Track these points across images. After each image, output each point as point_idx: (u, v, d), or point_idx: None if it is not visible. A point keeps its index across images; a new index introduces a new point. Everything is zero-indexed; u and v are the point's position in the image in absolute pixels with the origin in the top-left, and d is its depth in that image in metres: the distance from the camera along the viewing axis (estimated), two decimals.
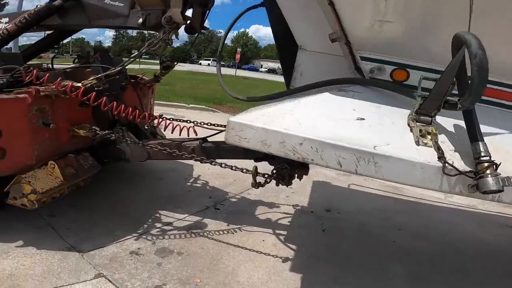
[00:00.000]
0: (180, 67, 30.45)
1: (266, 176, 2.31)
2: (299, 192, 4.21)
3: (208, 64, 53.06)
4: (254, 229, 3.16)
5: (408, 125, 1.61)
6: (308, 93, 2.00)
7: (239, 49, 31.34)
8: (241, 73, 31.93)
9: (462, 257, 3.09)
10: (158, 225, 3.00)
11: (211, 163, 2.44)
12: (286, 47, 2.50)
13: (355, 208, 3.94)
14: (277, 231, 3.19)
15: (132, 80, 3.61)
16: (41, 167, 2.36)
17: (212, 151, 2.70)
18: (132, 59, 3.23)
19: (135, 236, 2.75)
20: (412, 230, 3.51)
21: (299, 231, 3.29)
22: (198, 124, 3.18)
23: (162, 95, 10.65)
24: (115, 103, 2.48)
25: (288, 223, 3.42)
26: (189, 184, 4.09)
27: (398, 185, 4.31)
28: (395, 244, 3.19)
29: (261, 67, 68.62)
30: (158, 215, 3.16)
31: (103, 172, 3.04)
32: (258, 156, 2.50)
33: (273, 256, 2.78)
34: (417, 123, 1.58)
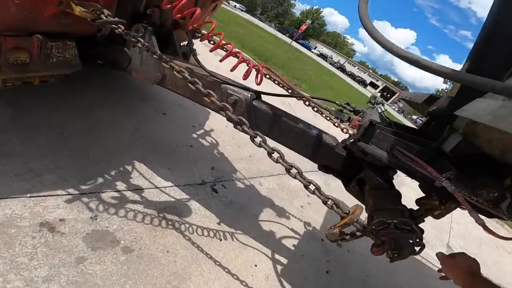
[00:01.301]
0: (240, 13, 28.40)
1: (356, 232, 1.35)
2: (315, 205, 3.30)
3: (235, 6, 50.10)
4: (250, 242, 2.26)
5: None
6: None
7: (308, 21, 29.39)
8: (294, 44, 30.27)
9: None
10: (121, 186, 1.98)
11: (253, 138, 1.44)
12: None
13: (366, 250, 3.04)
14: (276, 256, 2.31)
15: None
16: None
17: (263, 120, 1.76)
18: None
19: (69, 195, 1.70)
20: None
21: (302, 264, 2.41)
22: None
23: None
24: None
25: (293, 248, 2.53)
26: (194, 136, 3.13)
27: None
28: None
29: (314, 48, 67.21)
30: (129, 168, 2.17)
31: (85, 80, 2.06)
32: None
33: None
34: None
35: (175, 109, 3.33)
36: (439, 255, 1.33)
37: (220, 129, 3.50)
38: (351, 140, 1.74)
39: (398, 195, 1.59)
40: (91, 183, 1.86)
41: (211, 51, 1.94)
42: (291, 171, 1.40)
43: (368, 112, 2.16)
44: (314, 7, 78.08)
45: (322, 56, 58.57)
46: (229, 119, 1.46)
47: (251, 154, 3.41)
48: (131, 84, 3.30)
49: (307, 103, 2.44)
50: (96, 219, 1.68)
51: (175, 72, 1.55)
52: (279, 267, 2.24)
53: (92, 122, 2.36)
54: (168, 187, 2.22)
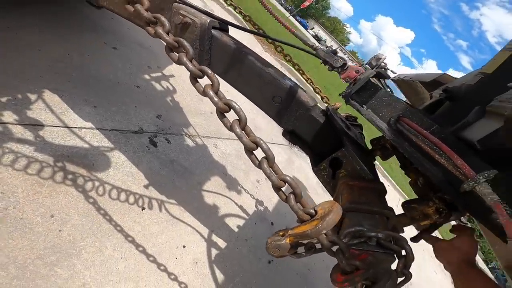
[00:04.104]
0: None
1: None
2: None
3: None
4: (184, 216, 1.80)
5: None
6: None
7: None
8: (292, 19, 28.89)
9: None
10: (8, 117, 1.40)
11: (194, 77, 0.90)
12: None
13: None
14: (213, 237, 1.89)
15: None
16: None
17: (220, 56, 1.27)
18: None
19: None
20: None
21: (243, 250, 2.02)
22: None
23: None
24: None
25: (236, 229, 2.12)
26: (145, 77, 2.51)
27: None
28: None
29: (312, 29, 66.03)
30: (32, 97, 1.56)
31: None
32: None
33: (180, 284, 1.51)
34: None
35: (132, 47, 2.65)
36: (432, 240, 1.12)
37: (183, 77, 2.89)
38: (346, 94, 1.24)
39: (383, 191, 1.13)
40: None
41: None
42: (231, 126, 0.88)
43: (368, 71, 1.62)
44: None
45: (317, 38, 57.37)
46: (160, 38, 0.91)
47: (212, 111, 2.87)
48: (82, 13, 2.55)
49: (279, 48, 1.87)
50: None
51: None
52: (213, 251, 1.83)
53: (6, 43, 1.70)
54: (84, 128, 1.66)
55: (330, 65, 1.36)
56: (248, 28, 1.67)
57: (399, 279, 0.84)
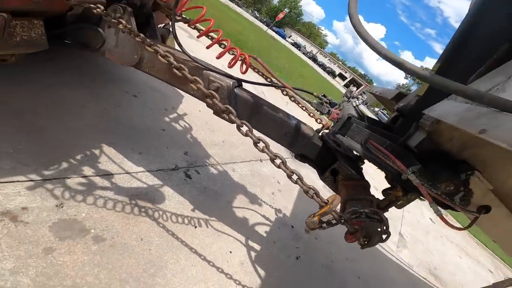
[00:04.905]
0: None
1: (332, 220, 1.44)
2: (285, 192, 3.38)
3: None
4: (225, 229, 2.25)
5: None
6: None
7: (286, 10, 29.03)
8: (270, 32, 29.92)
9: None
10: (88, 171, 1.85)
11: (239, 127, 1.47)
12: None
13: (332, 238, 3.20)
14: (250, 243, 2.33)
15: None
16: None
17: (244, 108, 1.72)
18: None
19: (32, 181, 1.56)
20: (368, 280, 3.13)
21: (274, 251, 2.46)
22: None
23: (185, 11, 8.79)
24: None
25: (265, 234, 2.56)
26: (167, 119, 3.00)
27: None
28: None
29: (289, 37, 67.79)
30: (97, 152, 2.03)
31: (50, 59, 1.87)
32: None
33: (235, 281, 1.94)
34: None
35: (147, 92, 3.15)
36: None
37: (193, 113, 3.39)
38: (329, 132, 1.79)
39: (368, 185, 1.67)
40: (55, 168, 1.71)
41: (198, 37, 1.87)
42: (275, 160, 1.39)
43: (345, 106, 2.22)
44: None
45: (296, 45, 58.94)
46: (215, 107, 1.40)
47: (224, 140, 3.36)
48: (98, 65, 3.06)
49: (284, 92, 2.43)
50: (62, 207, 1.56)
51: (159, 56, 1.45)
52: (252, 254, 2.26)
53: (54, 103, 2.16)
54: (139, 172, 2.12)
55: (320, 112, 1.96)
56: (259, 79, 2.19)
57: (384, 236, 1.38)
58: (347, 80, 71.04)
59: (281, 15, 26.68)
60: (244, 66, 1.95)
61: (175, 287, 1.62)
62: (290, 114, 1.85)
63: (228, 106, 1.39)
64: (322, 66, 67.19)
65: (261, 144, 1.38)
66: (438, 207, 1.20)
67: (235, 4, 50.92)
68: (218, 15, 13.33)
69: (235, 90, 1.72)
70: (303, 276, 2.45)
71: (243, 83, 1.88)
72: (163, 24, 2.24)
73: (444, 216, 1.20)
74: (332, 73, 70.28)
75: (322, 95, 2.46)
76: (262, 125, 1.76)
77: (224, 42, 1.90)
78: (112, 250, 1.53)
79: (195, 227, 2.07)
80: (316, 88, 10.48)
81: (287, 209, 3.15)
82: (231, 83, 1.70)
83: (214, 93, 1.41)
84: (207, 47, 1.93)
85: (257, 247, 2.36)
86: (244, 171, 3.14)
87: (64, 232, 1.46)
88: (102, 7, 1.45)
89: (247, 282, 2.01)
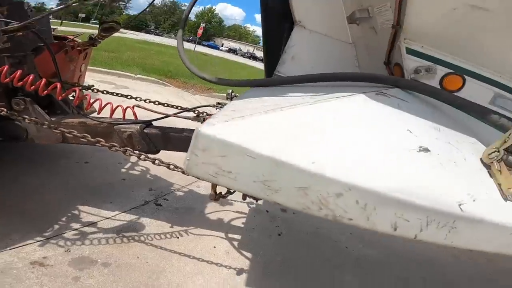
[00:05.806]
0: (133, 35, 27.70)
1: None
2: None
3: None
4: (204, 232, 2.63)
5: (486, 165, 1.08)
6: (324, 89, 1.39)
7: (202, 24, 29.66)
8: (200, 49, 30.33)
9: (403, 265, 2.99)
10: (76, 225, 2.28)
11: (153, 162, 1.79)
12: (275, 20, 1.98)
13: None
14: (230, 235, 2.72)
15: (55, 42, 2.89)
16: None
17: (157, 140, 2.07)
18: (46, 14, 2.50)
19: (39, 241, 2.05)
20: (361, 235, 3.31)
21: (255, 235, 2.86)
22: (142, 102, 2.51)
23: (106, 62, 9.20)
24: (5, 67, 1.84)
25: (242, 225, 2.97)
26: (123, 170, 3.35)
27: None
28: (347, 251, 2.98)
29: (222, 46, 67.46)
30: (77, 212, 2.42)
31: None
32: None
33: (226, 267, 2.31)
34: (506, 167, 1.04)
35: (94, 155, 3.45)
36: None
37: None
38: None
39: None
40: (51, 230, 2.18)
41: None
42: (170, 166, 1.80)
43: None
44: (207, 7, 78.41)
45: (232, 50, 58.80)
46: (130, 153, 1.80)
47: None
48: (44, 148, 3.34)
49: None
50: (69, 251, 2.04)
51: (67, 133, 1.85)
52: (235, 243, 2.65)
53: (22, 189, 2.51)
54: (116, 215, 2.48)
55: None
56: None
57: None
58: None
59: (200, 31, 27.40)
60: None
61: (178, 283, 1.99)
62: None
63: (127, 148, 1.81)
64: (262, 60, 67.19)
65: (157, 162, 1.80)
66: None
67: (154, 35, 50.77)
68: (140, 55, 13.36)
69: (145, 131, 2.06)
70: (290, 247, 2.81)
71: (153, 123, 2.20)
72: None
73: None
74: None
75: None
76: (175, 146, 2.09)
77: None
78: (119, 269, 1.96)
79: (178, 238, 2.43)
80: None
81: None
82: (139, 126, 2.04)
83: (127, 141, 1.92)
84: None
85: (237, 237, 2.75)
86: (209, 184, 3.53)
87: (79, 265, 1.93)
88: (5, 109, 1.83)
89: (237, 265, 2.37)
